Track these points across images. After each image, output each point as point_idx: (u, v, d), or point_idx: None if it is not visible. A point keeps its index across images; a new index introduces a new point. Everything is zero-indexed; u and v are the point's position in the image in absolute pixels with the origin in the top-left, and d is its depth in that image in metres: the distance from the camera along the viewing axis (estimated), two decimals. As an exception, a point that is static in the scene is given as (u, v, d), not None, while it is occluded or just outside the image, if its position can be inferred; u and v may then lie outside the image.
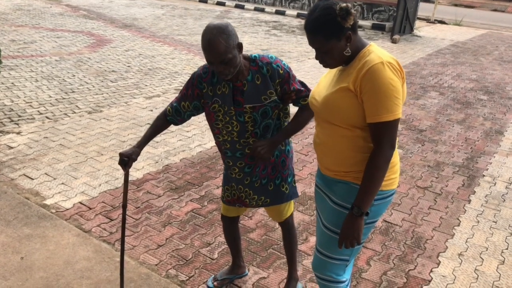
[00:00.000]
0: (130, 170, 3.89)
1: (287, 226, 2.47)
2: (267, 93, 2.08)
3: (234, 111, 2.09)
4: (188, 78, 2.19)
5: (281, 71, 2.09)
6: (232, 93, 2.08)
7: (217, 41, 1.90)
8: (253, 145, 2.10)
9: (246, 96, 2.07)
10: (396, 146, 1.79)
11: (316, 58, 1.80)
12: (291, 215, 2.46)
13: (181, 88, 6.23)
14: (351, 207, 1.76)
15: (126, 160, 2.15)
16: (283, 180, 2.29)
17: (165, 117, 2.26)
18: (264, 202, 2.31)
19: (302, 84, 2.19)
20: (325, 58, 1.76)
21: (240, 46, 1.99)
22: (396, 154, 1.84)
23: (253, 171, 2.23)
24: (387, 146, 1.69)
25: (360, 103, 1.70)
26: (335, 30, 1.68)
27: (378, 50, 1.74)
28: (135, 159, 2.19)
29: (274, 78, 2.08)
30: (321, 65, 1.82)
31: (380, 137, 1.69)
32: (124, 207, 2.31)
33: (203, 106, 2.18)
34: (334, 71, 1.88)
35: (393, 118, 1.66)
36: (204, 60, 7.89)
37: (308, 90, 2.17)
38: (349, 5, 1.67)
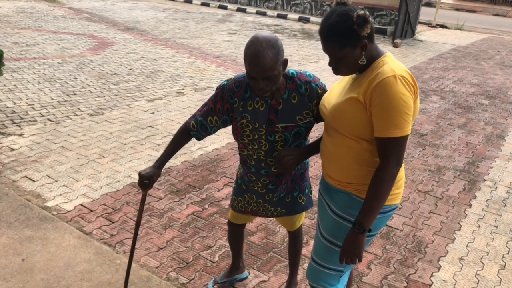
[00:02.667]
0: (131, 172, 3.91)
1: (297, 234, 2.46)
2: (303, 114, 1.97)
3: (265, 130, 1.99)
4: (215, 91, 2.06)
5: (319, 91, 1.97)
6: (267, 111, 1.97)
7: (266, 55, 1.75)
8: (281, 152, 1.97)
9: (279, 115, 1.96)
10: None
11: (330, 64, 1.75)
12: (302, 223, 2.45)
13: (182, 91, 6.27)
14: (354, 223, 1.71)
15: (147, 183, 2.06)
16: (301, 192, 2.23)
17: (187, 132, 2.11)
18: (279, 213, 2.26)
19: None
20: (339, 65, 1.71)
21: (285, 63, 1.87)
22: (402, 169, 1.80)
23: (276, 188, 2.15)
24: (393, 163, 1.63)
25: (369, 116, 1.65)
26: (351, 38, 1.62)
27: (393, 62, 1.68)
28: (155, 181, 2.08)
29: (312, 99, 1.96)
30: (326, 70, 1.80)
31: (387, 153, 1.63)
32: (138, 225, 2.26)
33: (231, 120, 2.06)
34: (347, 78, 1.83)
35: (401, 134, 1.61)
36: (206, 64, 7.92)
37: None
38: (367, 12, 1.62)
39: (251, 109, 1.99)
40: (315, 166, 4.29)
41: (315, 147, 2.04)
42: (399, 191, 1.83)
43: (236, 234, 2.54)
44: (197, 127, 2.09)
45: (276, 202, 2.21)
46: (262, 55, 1.76)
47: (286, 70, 1.96)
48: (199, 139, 2.13)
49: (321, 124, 2.02)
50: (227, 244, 3.00)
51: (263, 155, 2.05)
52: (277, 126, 1.98)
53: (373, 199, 1.66)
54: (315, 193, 3.36)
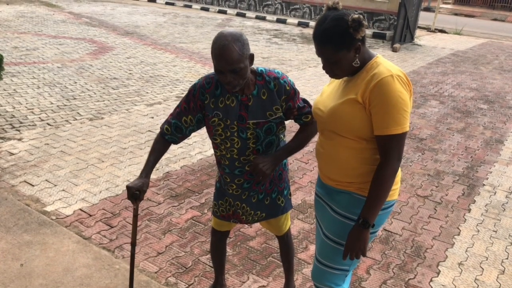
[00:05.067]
0: (130, 177, 3.90)
1: (286, 239, 2.45)
2: (273, 109, 2.01)
3: (237, 127, 2.01)
4: (187, 92, 2.07)
5: (287, 87, 2.02)
6: (237, 107, 2.00)
7: (231, 48, 1.80)
8: (254, 161, 1.99)
9: (250, 111, 1.99)
10: None
11: (324, 68, 1.79)
12: (289, 227, 2.45)
13: (182, 95, 6.27)
14: (358, 219, 1.75)
15: (138, 194, 1.99)
16: (279, 193, 2.24)
17: (163, 138, 2.12)
18: (260, 217, 2.26)
19: (304, 100, 2.13)
20: (334, 68, 1.76)
21: (251, 58, 1.91)
22: None
23: (251, 187, 2.15)
24: (395, 159, 1.69)
25: (368, 115, 1.70)
26: (345, 41, 1.68)
27: (386, 63, 1.74)
28: (145, 191, 2.03)
29: (281, 94, 2.01)
30: (325, 74, 1.82)
31: (388, 150, 1.69)
32: (133, 245, 2.15)
33: (204, 118, 2.08)
34: (338, 80, 1.87)
35: (401, 131, 1.67)
36: (206, 68, 7.93)
37: (309, 106, 2.12)
38: (361, 16, 1.67)
39: (222, 106, 2.01)
40: (314, 170, 4.29)
41: (289, 149, 2.09)
42: (397, 187, 1.88)
43: (219, 243, 2.47)
44: (171, 131, 2.09)
45: (255, 204, 2.21)
46: (227, 48, 1.80)
47: (255, 68, 2.01)
48: (175, 142, 2.13)
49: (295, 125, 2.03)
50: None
51: (236, 154, 2.06)
52: (248, 122, 2.00)
53: (376, 195, 1.72)
54: (305, 196, 3.34)
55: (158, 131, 4.90)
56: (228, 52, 1.80)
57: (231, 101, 2.00)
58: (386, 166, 1.70)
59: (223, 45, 1.81)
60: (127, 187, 1.99)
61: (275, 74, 2.03)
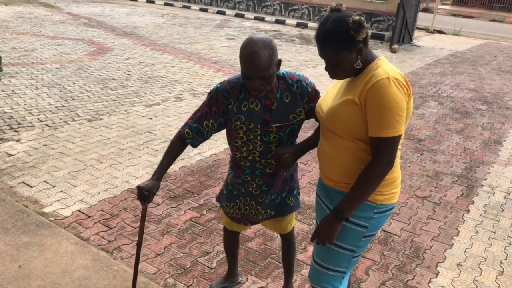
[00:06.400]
0: (128, 178, 3.90)
1: (289, 237, 2.46)
2: (296, 112, 2.03)
3: (260, 130, 2.01)
4: (208, 96, 2.06)
5: (309, 89, 2.04)
6: (262, 111, 2.00)
7: (262, 54, 1.81)
8: (278, 151, 2.02)
9: (274, 115, 2.00)
10: (399, 161, 1.79)
11: (326, 69, 1.81)
12: (293, 226, 2.46)
13: (181, 96, 6.27)
14: (333, 209, 1.80)
15: (147, 194, 1.99)
16: (289, 193, 2.26)
17: (182, 141, 2.09)
18: (269, 215, 2.27)
19: None
20: (335, 69, 1.77)
21: (279, 63, 1.93)
22: (398, 169, 1.85)
23: (270, 189, 2.16)
24: (385, 162, 1.70)
25: (364, 117, 1.71)
26: (347, 42, 1.69)
27: (386, 65, 1.74)
28: (155, 193, 2.03)
29: (304, 96, 2.03)
30: (324, 75, 1.83)
31: (379, 152, 1.70)
32: (139, 245, 2.16)
33: (226, 122, 2.07)
34: (342, 81, 1.88)
35: (393, 135, 1.67)
36: (204, 69, 7.93)
37: None
38: (362, 18, 1.68)
39: (245, 110, 2.01)
40: (313, 171, 4.29)
41: (310, 143, 2.11)
42: (396, 191, 1.88)
43: (232, 239, 2.53)
44: (192, 134, 2.08)
45: (267, 205, 2.22)
46: (258, 55, 1.81)
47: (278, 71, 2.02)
48: (195, 146, 2.12)
49: (313, 124, 2.04)
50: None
51: (258, 156, 2.07)
52: (271, 126, 2.01)
53: (358, 191, 1.74)
54: (304, 197, 3.34)
55: (156, 132, 4.92)
56: (258, 59, 1.81)
57: (255, 105, 2.00)
58: (374, 167, 1.71)
59: (254, 52, 1.81)
60: (138, 187, 2.00)
61: (297, 77, 2.04)
